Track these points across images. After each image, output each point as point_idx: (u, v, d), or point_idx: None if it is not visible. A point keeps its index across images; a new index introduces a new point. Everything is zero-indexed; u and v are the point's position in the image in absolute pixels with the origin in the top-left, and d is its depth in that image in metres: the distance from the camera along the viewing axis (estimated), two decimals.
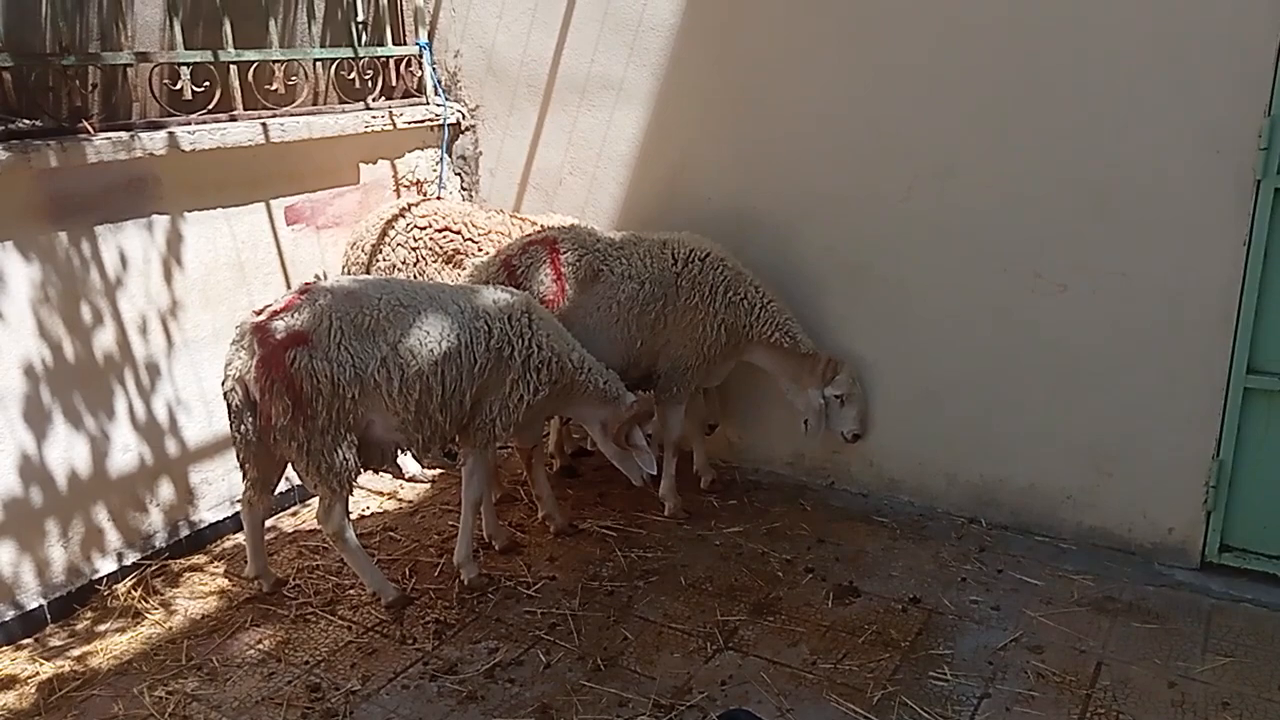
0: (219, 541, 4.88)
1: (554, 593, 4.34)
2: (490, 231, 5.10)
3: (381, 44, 5.59)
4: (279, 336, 3.65)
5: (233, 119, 4.73)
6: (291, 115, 4.95)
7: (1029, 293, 4.46)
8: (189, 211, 4.60)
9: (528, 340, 4.11)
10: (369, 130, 5.29)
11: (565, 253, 4.62)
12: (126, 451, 4.45)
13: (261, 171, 4.87)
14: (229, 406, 3.79)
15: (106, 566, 4.42)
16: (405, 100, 5.71)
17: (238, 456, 3.98)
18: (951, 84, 4.41)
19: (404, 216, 5.10)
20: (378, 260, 5.08)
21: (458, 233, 5.07)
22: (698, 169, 5.19)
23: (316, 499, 4.04)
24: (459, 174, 5.99)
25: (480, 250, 5.04)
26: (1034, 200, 4.34)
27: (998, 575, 4.39)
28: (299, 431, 3.72)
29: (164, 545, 4.66)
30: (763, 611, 4.16)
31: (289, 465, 4.01)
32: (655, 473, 4.56)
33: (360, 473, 3.98)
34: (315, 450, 3.77)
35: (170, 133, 4.36)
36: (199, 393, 4.73)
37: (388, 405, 3.82)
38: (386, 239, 5.08)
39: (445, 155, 5.86)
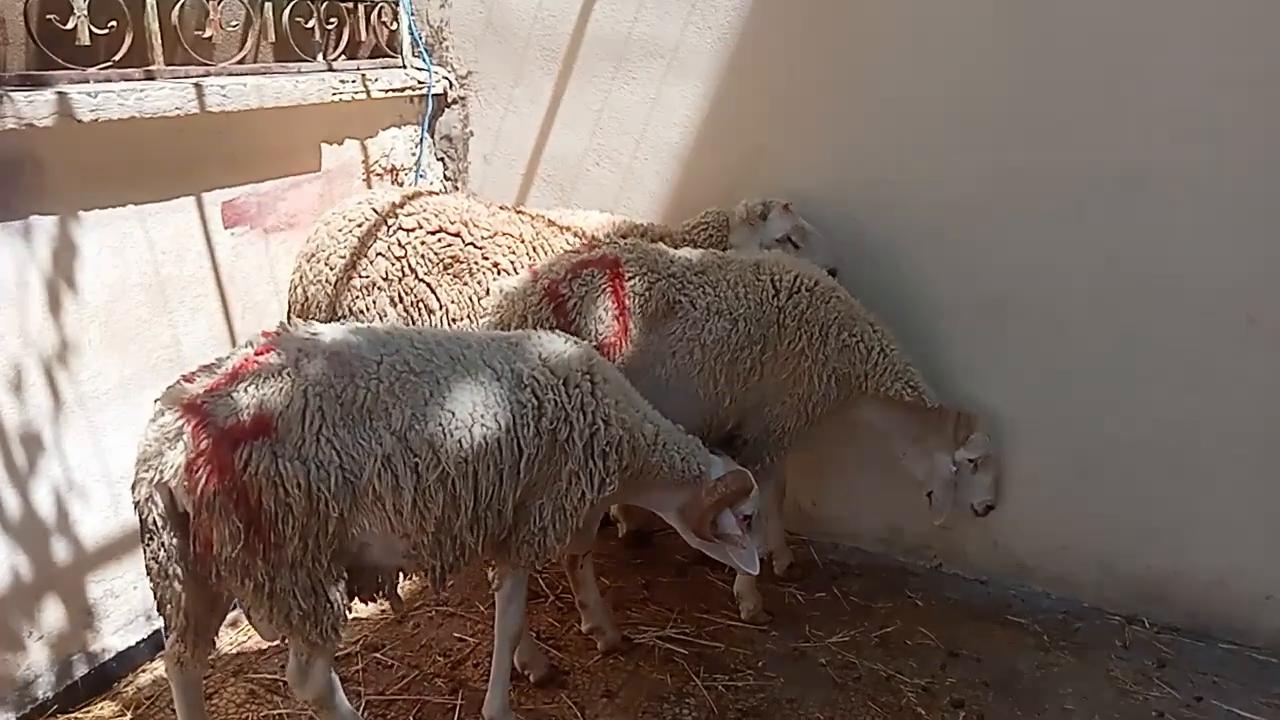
0: (131, 676, 3.47)
1: None
2: (496, 234, 3.81)
3: None
4: (226, 423, 2.44)
5: (150, 77, 3.30)
6: (234, 75, 3.53)
7: (1236, 342, 3.46)
8: (86, 210, 3.17)
9: (591, 415, 2.89)
10: (337, 99, 3.90)
11: (631, 278, 3.37)
12: None
13: (191, 153, 3.46)
14: (143, 523, 2.52)
15: None
16: (376, 61, 4.33)
17: (156, 596, 2.60)
18: (1147, 64, 3.36)
19: (386, 219, 3.74)
20: (352, 277, 3.71)
21: (455, 235, 3.76)
22: (775, 166, 4.01)
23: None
24: (441, 158, 4.64)
25: (485, 258, 3.76)
26: (1258, 219, 3.33)
27: (1197, 706, 3.40)
28: (256, 566, 2.47)
29: (50, 695, 3.23)
30: None
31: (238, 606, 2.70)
32: (757, 571, 3.35)
33: (349, 613, 2.71)
34: (282, 592, 2.52)
35: (59, 94, 2.93)
36: (100, 470, 3.30)
37: (394, 525, 2.62)
38: (363, 247, 3.71)
39: (426, 135, 4.50)
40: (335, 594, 2.61)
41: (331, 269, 3.71)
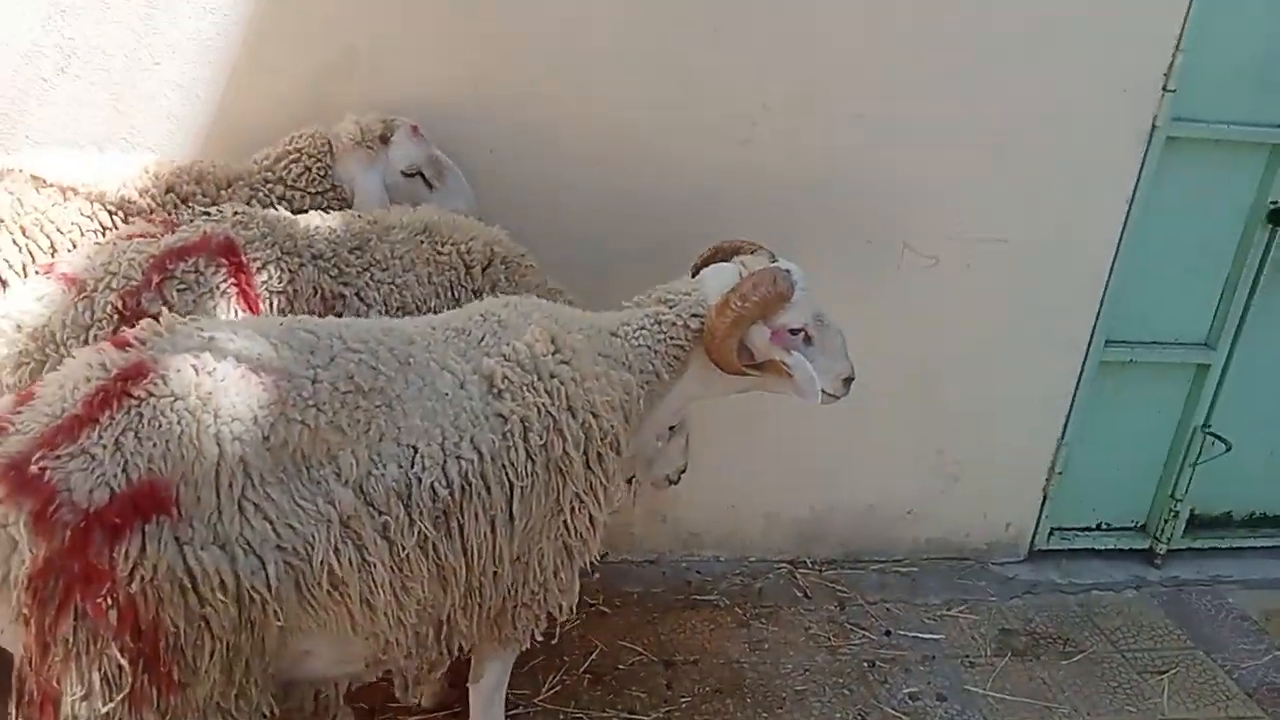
0: None
1: None
2: None
3: None
4: (92, 500, 1.52)
5: None
6: None
7: (893, 269, 3.38)
8: None
9: (581, 411, 2.04)
10: None
11: (261, 267, 2.09)
12: None
13: None
14: None
15: None
16: None
17: None
18: None
19: None
20: None
21: None
22: (378, 78, 2.83)
23: None
24: None
25: None
26: (915, 149, 3.23)
27: (890, 641, 3.42)
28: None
29: None
30: None
31: None
32: (818, 397, 2.32)
33: None
34: None
35: None
36: None
37: (356, 621, 1.77)
38: None
39: None
40: None
41: None
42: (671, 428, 3.12)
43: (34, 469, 1.50)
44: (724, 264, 2.39)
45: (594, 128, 3.00)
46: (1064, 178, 3.34)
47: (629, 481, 3.16)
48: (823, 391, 2.46)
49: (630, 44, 2.96)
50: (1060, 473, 3.75)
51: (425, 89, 2.85)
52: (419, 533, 1.79)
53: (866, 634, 3.42)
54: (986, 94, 3.19)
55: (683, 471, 3.30)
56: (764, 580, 3.64)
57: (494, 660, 2.26)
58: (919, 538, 3.81)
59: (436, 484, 1.82)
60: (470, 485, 1.86)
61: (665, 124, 3.05)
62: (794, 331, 2.33)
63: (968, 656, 3.38)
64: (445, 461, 1.84)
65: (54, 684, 1.51)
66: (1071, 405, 3.67)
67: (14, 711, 1.56)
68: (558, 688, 2.99)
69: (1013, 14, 3.12)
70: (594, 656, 3.14)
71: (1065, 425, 3.70)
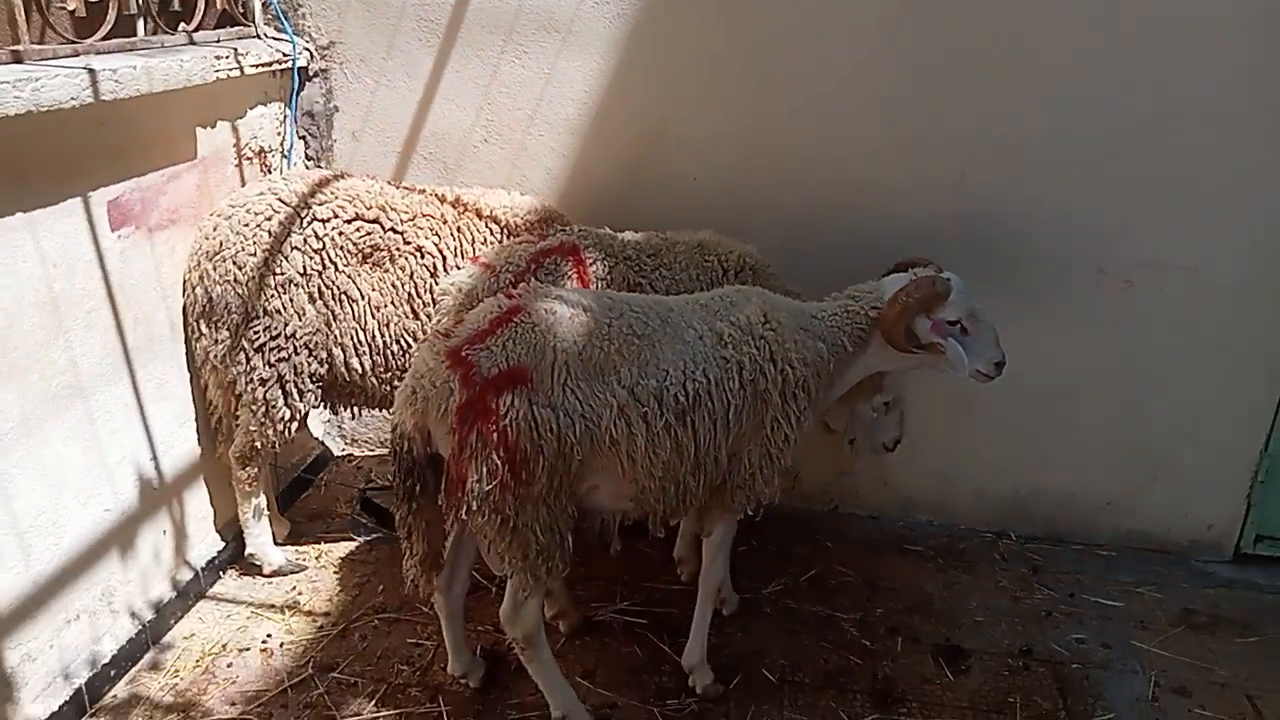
0: None
1: None
2: (415, 216, 3.65)
3: None
4: (490, 372, 2.70)
5: (17, 59, 2.83)
6: (121, 54, 3.08)
7: (1090, 290, 4.02)
8: None
9: (781, 362, 3.06)
10: (218, 78, 3.50)
11: (593, 263, 3.37)
12: None
13: (75, 148, 2.99)
14: (399, 460, 2.87)
15: None
16: (232, 31, 3.90)
17: (402, 528, 2.97)
18: (1013, 50, 3.78)
19: (298, 210, 3.46)
20: (265, 275, 3.41)
21: (374, 221, 3.57)
22: (680, 142, 4.08)
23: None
24: (304, 136, 4.28)
25: (407, 242, 3.60)
26: (1109, 189, 3.88)
27: (1072, 601, 4.02)
28: (507, 501, 2.73)
29: None
30: (887, 701, 3.41)
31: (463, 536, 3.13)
32: (965, 370, 3.18)
33: (569, 562, 2.96)
34: (524, 526, 2.80)
35: None
36: (8, 522, 2.85)
37: (625, 469, 2.88)
38: (276, 243, 3.42)
39: (292, 113, 4.14)
40: (568, 532, 2.89)
41: (240, 267, 3.38)
42: (887, 403, 4.03)
43: (464, 353, 2.71)
44: (900, 273, 3.33)
45: (832, 179, 4.02)
46: (1255, 215, 3.82)
47: (850, 443, 4.12)
48: (978, 371, 3.32)
49: (859, 121, 3.96)
50: (1263, 481, 4.13)
51: (713, 149, 4.05)
52: (665, 421, 2.88)
53: (1051, 592, 4.05)
54: (1174, 139, 3.79)
55: (898, 441, 4.17)
56: (967, 542, 4.38)
57: (720, 523, 3.29)
58: (1120, 526, 4.34)
59: (679, 394, 2.89)
60: (700, 398, 2.92)
61: (887, 178, 3.99)
62: (951, 323, 3.20)
63: (1143, 622, 3.86)
64: (685, 381, 2.90)
65: (463, 471, 2.74)
66: (1275, 419, 4.05)
67: (444, 488, 2.83)
68: (780, 587, 4.00)
69: (1200, 69, 3.71)
70: (813, 572, 4.10)
71: (1268, 438, 4.08)
